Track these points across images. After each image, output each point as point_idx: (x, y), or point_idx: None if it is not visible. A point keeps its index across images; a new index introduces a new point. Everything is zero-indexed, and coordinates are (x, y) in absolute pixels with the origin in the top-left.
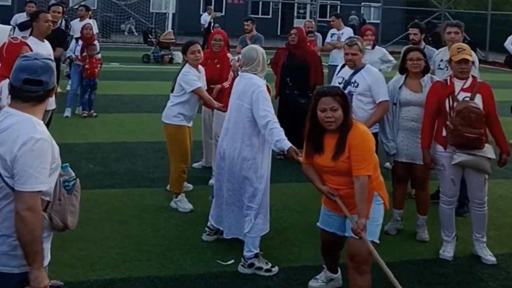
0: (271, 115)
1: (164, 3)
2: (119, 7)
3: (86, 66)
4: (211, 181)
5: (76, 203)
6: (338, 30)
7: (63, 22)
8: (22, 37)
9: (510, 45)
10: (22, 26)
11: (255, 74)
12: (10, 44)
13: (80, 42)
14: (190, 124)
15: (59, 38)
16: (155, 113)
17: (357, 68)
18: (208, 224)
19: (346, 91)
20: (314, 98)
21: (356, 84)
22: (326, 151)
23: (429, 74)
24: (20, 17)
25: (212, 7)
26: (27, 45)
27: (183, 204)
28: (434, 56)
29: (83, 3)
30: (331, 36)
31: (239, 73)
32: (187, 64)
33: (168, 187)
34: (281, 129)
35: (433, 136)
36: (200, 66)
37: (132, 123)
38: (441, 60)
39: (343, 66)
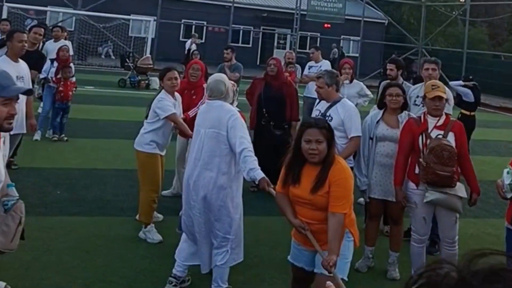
0: (247, 142)
1: (144, 27)
2: (97, 29)
3: (60, 88)
4: (181, 212)
5: (12, 224)
6: (317, 62)
7: (40, 44)
8: None
9: (459, 86)
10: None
11: (225, 101)
12: None
13: (56, 63)
14: (163, 153)
15: (36, 61)
16: (128, 140)
17: (332, 101)
18: (174, 272)
19: None
20: (299, 129)
21: (330, 118)
22: (304, 183)
23: (406, 111)
24: None
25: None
26: None
27: (152, 234)
28: (409, 92)
29: (60, 24)
30: (309, 69)
31: (206, 101)
32: (163, 91)
33: (137, 217)
34: (255, 158)
35: (406, 173)
36: (176, 94)
37: (104, 149)
38: (417, 96)
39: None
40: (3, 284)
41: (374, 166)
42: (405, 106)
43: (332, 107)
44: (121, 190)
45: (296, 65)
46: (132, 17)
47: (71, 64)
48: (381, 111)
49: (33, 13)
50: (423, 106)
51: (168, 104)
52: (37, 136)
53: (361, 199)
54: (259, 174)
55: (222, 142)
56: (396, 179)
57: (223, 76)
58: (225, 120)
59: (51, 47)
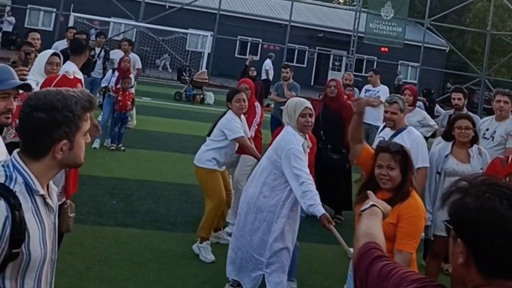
0: (305, 175)
1: (201, 42)
2: (156, 42)
3: (119, 98)
4: (227, 229)
5: None
6: (374, 86)
7: (102, 52)
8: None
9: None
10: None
11: (293, 128)
12: (64, 79)
13: (116, 73)
14: (222, 169)
15: (84, 65)
16: (183, 153)
17: (398, 129)
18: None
19: None
20: (375, 152)
21: None
22: None
23: (476, 145)
24: (61, 44)
25: (248, 50)
26: (81, 82)
27: (206, 252)
28: (479, 125)
29: (121, 35)
30: (366, 92)
31: (285, 124)
32: (230, 111)
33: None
34: (316, 192)
35: None
36: (242, 116)
37: (159, 161)
38: (487, 129)
39: (385, 126)
40: None
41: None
42: (475, 140)
43: (397, 135)
44: (174, 205)
45: (354, 88)
46: (190, 31)
47: (131, 75)
48: (450, 144)
49: (98, 23)
50: (492, 140)
51: (237, 125)
52: (96, 144)
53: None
54: (319, 210)
55: (272, 165)
56: None
57: (293, 99)
58: (280, 147)
59: (117, 57)
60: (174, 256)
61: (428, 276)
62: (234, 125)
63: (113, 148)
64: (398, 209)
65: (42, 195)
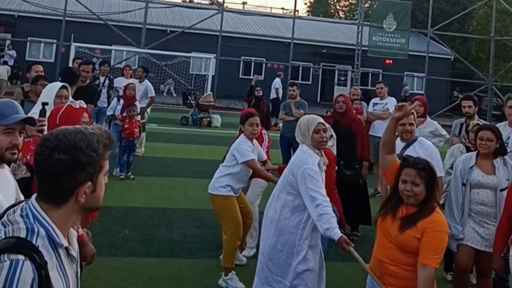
0: (321, 196)
1: (204, 65)
2: (159, 67)
3: (126, 126)
4: (244, 253)
5: None
6: (382, 99)
7: (107, 81)
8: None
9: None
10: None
11: (308, 146)
12: (70, 109)
13: (122, 101)
14: (238, 194)
15: (91, 95)
16: (193, 178)
17: (409, 141)
18: None
19: None
20: (399, 167)
21: None
22: (396, 219)
23: (501, 156)
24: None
25: (252, 70)
26: (87, 111)
27: (234, 282)
28: None
29: (124, 63)
30: (374, 106)
31: (300, 144)
32: (242, 135)
33: (221, 262)
34: (333, 214)
35: (509, 239)
36: (254, 140)
37: (169, 188)
38: None
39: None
40: None
41: (469, 214)
42: (501, 152)
43: (409, 147)
44: (189, 231)
45: (362, 102)
46: (192, 54)
47: (137, 103)
48: (474, 155)
49: (99, 52)
50: (507, 146)
51: (247, 149)
52: None
53: None
54: (337, 233)
55: (289, 185)
56: (497, 245)
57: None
58: (296, 167)
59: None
60: (191, 283)
61: None
62: (244, 148)
63: (123, 177)
64: (422, 223)
65: (66, 248)
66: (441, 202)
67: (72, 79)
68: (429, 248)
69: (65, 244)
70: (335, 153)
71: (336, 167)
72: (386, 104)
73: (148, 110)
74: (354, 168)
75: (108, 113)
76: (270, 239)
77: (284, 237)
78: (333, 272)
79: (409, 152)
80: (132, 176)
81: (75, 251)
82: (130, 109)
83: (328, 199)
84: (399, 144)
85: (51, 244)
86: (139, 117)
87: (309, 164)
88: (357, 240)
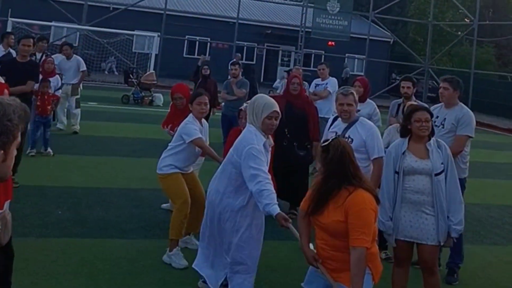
0: (263, 174)
1: (148, 43)
2: (101, 45)
3: (38, 102)
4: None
5: None
6: (323, 80)
7: (43, 57)
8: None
9: None
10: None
11: (256, 127)
12: None
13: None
14: (189, 171)
15: (31, 71)
16: (132, 158)
17: (350, 121)
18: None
19: None
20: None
21: (350, 139)
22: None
23: (434, 138)
24: None
25: (197, 50)
26: (7, 88)
27: (178, 259)
28: None
29: (64, 39)
30: (315, 87)
31: (247, 124)
32: (191, 115)
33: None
34: (273, 191)
35: None
36: (204, 121)
37: (108, 167)
38: (437, 117)
39: (335, 119)
40: None
41: (402, 204)
42: (432, 133)
43: (351, 127)
44: (124, 211)
45: (304, 82)
46: (136, 32)
47: (57, 77)
48: (406, 140)
49: (37, 28)
50: (443, 128)
51: (194, 128)
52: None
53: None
54: (275, 209)
55: (232, 165)
56: None
57: (256, 96)
58: (240, 147)
59: (64, 65)
60: (126, 264)
61: (395, 286)
62: (190, 128)
63: (33, 153)
64: (343, 206)
65: None
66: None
67: None
68: (354, 230)
69: None
70: None
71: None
72: (327, 84)
73: (81, 85)
74: (307, 148)
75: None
76: (215, 217)
77: (226, 214)
78: (269, 250)
79: (351, 132)
80: (51, 153)
81: None
82: (43, 84)
83: (269, 176)
84: (340, 125)
85: None
86: (59, 93)
87: (254, 144)
88: (294, 218)
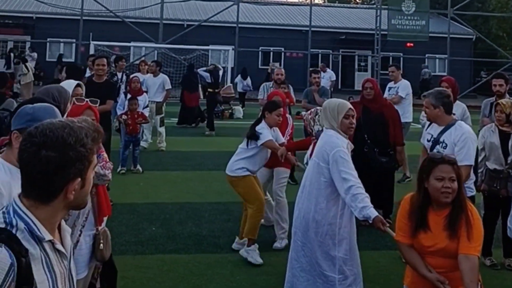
0: (353, 178)
1: (223, 57)
2: (178, 61)
3: (128, 122)
4: (276, 244)
5: None
6: (395, 83)
7: (124, 77)
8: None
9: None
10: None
11: (335, 130)
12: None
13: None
14: (255, 174)
15: (109, 91)
16: (218, 171)
17: (447, 124)
18: None
19: (434, 151)
20: (426, 165)
21: (444, 144)
22: (433, 229)
23: None
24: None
25: (271, 60)
26: (92, 108)
27: (254, 255)
28: None
29: (143, 58)
30: (388, 90)
31: (324, 129)
32: (263, 122)
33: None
34: (367, 194)
35: None
36: (276, 129)
37: (194, 181)
38: None
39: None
40: None
41: None
42: None
43: (446, 132)
44: (217, 225)
45: (289, 85)
46: (210, 47)
47: (144, 95)
48: None
49: (118, 49)
50: None
51: (266, 132)
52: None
53: None
54: (372, 212)
55: (320, 174)
56: None
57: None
58: (326, 152)
59: (150, 82)
60: (221, 279)
61: None
62: (264, 132)
63: (123, 171)
64: (462, 220)
65: (50, 241)
66: (468, 195)
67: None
68: (472, 239)
69: (48, 237)
70: None
71: (371, 155)
72: (398, 87)
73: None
74: (389, 154)
75: (118, 111)
76: (310, 231)
77: (323, 228)
78: (367, 261)
79: (445, 137)
80: (141, 170)
81: (66, 247)
82: (132, 102)
83: (359, 181)
84: (437, 128)
85: (33, 238)
86: (146, 111)
87: (340, 147)
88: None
